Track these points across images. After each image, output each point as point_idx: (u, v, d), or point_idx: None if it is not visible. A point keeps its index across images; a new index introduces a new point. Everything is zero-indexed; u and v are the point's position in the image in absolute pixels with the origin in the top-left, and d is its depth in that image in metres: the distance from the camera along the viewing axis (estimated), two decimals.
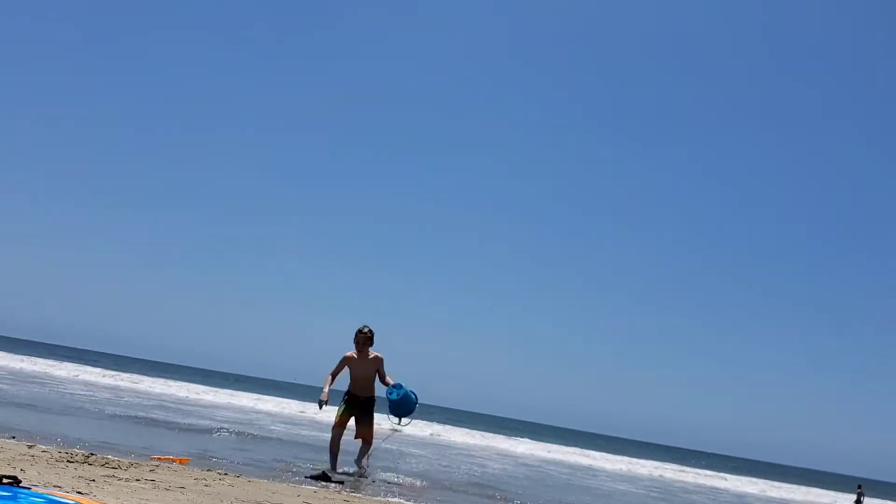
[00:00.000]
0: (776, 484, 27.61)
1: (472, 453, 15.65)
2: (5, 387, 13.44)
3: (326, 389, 7.59)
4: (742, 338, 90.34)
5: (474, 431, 24.22)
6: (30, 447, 4.83)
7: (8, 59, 79.29)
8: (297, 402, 24.05)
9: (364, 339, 7.97)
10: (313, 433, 12.89)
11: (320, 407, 7.58)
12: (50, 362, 25.16)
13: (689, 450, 68.61)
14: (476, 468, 11.54)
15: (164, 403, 15.63)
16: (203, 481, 4.53)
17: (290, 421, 16.32)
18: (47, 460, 4.21)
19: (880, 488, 38.03)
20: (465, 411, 61.81)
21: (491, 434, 24.53)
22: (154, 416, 11.59)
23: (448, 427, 23.86)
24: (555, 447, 23.93)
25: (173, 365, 69.05)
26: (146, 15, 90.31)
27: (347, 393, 7.86)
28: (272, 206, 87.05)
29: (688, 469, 25.90)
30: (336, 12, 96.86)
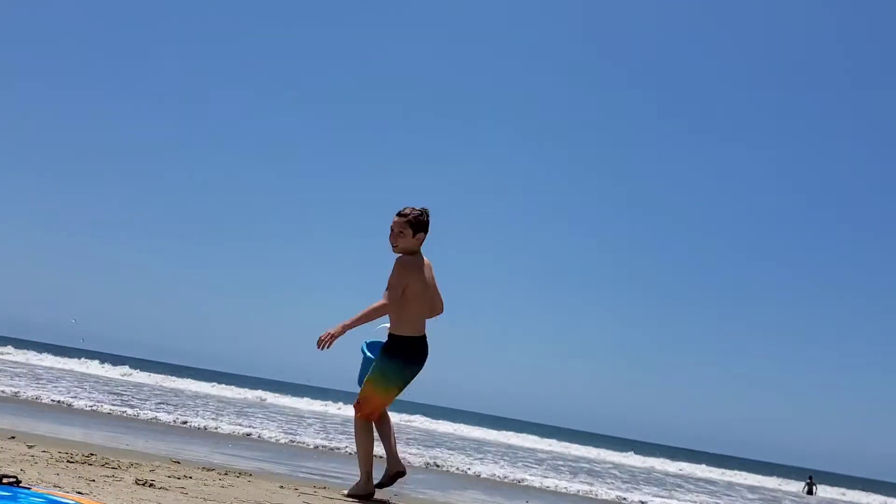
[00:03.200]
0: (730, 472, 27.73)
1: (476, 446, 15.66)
2: (5, 385, 13.44)
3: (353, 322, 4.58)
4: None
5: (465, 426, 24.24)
6: (30, 447, 4.83)
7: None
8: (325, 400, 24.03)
9: (416, 224, 4.90)
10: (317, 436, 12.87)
11: (323, 346, 4.47)
12: (63, 360, 25.14)
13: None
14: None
15: (174, 402, 15.63)
16: (203, 481, 4.53)
17: (297, 416, 16.33)
18: (47, 460, 4.21)
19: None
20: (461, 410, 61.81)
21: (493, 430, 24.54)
22: (157, 415, 11.58)
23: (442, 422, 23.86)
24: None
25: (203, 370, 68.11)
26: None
27: (406, 340, 4.83)
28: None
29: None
30: None
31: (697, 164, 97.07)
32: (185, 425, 10.83)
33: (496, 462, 13.17)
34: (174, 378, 25.58)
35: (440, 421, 24.89)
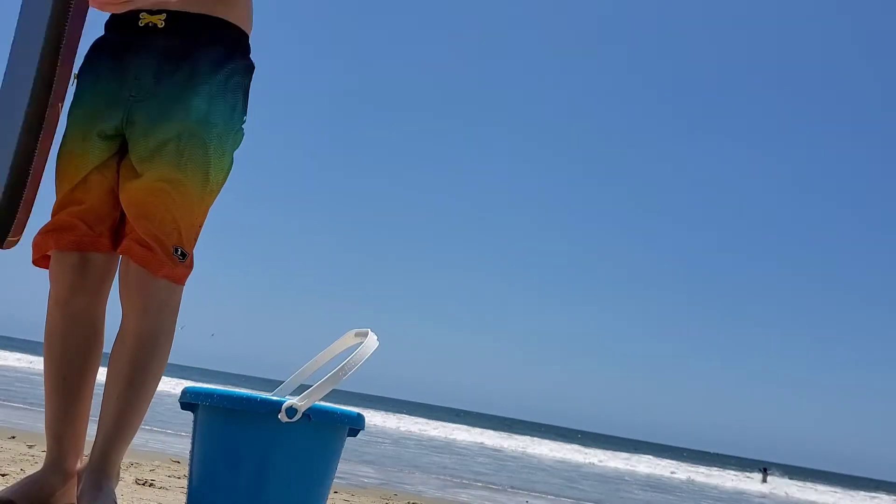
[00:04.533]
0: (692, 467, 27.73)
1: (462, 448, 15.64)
2: (6, 385, 13.45)
3: None
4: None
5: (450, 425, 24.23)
6: (30, 447, 4.82)
7: None
8: None
9: None
10: None
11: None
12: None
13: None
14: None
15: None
16: None
17: None
18: None
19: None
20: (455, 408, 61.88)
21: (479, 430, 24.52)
22: (156, 414, 11.58)
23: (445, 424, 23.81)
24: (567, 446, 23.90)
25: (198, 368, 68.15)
26: None
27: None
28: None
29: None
30: None
31: (698, 163, 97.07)
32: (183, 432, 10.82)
33: (497, 463, 13.16)
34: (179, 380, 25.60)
35: (439, 422, 24.89)
